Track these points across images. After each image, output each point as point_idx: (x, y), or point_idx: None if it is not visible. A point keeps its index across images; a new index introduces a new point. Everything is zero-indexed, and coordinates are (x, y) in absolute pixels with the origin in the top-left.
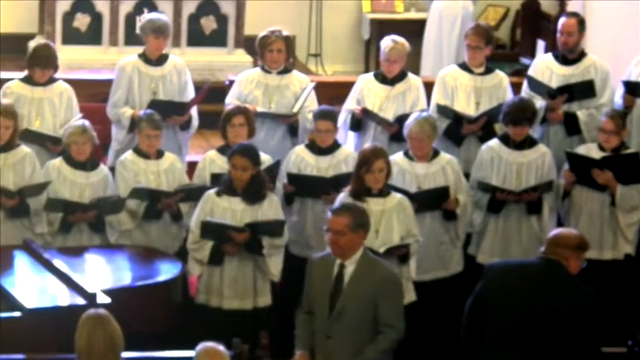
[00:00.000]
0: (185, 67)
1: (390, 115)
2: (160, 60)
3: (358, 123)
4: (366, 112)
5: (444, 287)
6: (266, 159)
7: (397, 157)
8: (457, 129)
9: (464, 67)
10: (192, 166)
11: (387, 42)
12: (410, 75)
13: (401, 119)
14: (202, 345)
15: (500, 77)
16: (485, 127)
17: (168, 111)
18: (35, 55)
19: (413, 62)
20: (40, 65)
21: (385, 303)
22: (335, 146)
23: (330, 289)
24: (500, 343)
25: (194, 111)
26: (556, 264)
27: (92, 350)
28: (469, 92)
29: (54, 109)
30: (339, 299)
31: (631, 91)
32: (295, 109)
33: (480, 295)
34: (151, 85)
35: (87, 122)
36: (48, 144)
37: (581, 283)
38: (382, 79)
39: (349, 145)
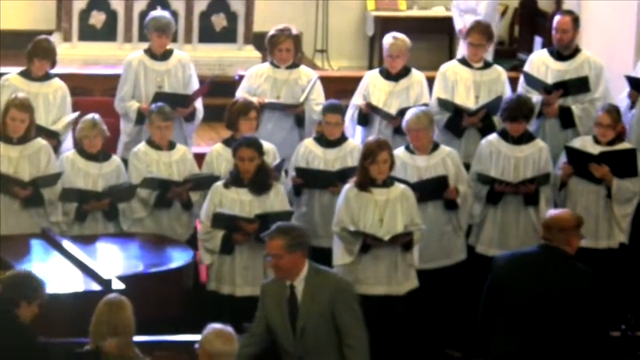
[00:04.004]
0: (189, 61)
1: (394, 109)
2: (165, 55)
3: (365, 117)
4: (370, 107)
5: (448, 275)
6: (270, 149)
7: (399, 152)
8: (457, 122)
9: (463, 61)
10: (199, 158)
11: (388, 39)
12: (413, 71)
13: (403, 112)
14: (211, 327)
15: (499, 72)
16: (484, 119)
17: (172, 103)
18: (35, 47)
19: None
20: (39, 56)
21: (343, 312)
22: (342, 139)
23: (287, 312)
24: (511, 330)
25: (199, 103)
26: (556, 250)
27: (97, 333)
28: (469, 86)
29: (48, 104)
30: (298, 319)
31: (635, 86)
32: (301, 100)
33: (489, 288)
34: (157, 79)
35: (97, 116)
36: (43, 136)
37: (582, 267)
38: (387, 75)
39: (357, 139)
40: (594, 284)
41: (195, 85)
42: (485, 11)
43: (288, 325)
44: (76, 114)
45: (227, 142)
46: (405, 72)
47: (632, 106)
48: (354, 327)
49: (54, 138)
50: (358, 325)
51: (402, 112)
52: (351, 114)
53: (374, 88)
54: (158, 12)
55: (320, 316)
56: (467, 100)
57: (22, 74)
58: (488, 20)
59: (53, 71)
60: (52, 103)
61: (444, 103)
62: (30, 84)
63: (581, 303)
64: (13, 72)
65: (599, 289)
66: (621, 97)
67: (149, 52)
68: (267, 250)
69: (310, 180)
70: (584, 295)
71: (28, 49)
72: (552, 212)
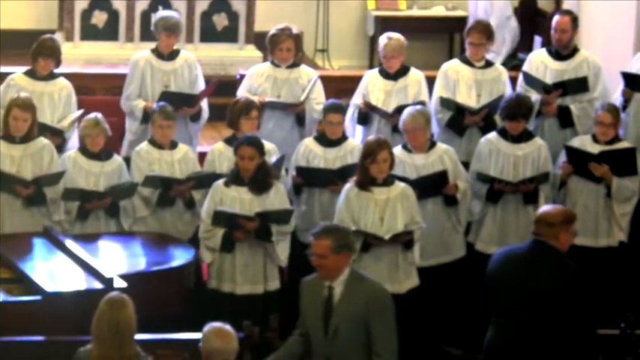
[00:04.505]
0: (196, 61)
1: (392, 108)
2: (172, 55)
3: (365, 116)
4: (368, 106)
5: (447, 272)
6: (271, 148)
7: (396, 150)
8: (459, 120)
9: (465, 60)
10: (201, 157)
11: (382, 39)
12: (412, 70)
13: (400, 110)
14: (210, 325)
15: (500, 71)
16: (486, 118)
17: (178, 103)
18: (39, 46)
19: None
20: (44, 55)
21: (377, 321)
22: (342, 138)
23: (322, 311)
24: (502, 325)
25: (204, 103)
26: (543, 245)
27: (99, 332)
28: (470, 85)
29: (53, 103)
30: (332, 320)
31: (629, 83)
32: (302, 99)
33: (484, 283)
34: (163, 78)
35: (100, 115)
36: (48, 135)
37: (566, 261)
38: (386, 74)
39: (357, 138)
40: (575, 280)
41: (201, 85)
42: (499, 16)
43: (321, 324)
44: (81, 111)
45: (228, 141)
46: (403, 71)
47: (625, 104)
48: (386, 336)
49: (59, 136)
50: (390, 334)
51: (399, 110)
52: (351, 113)
53: (373, 87)
54: (167, 12)
55: (354, 319)
56: (468, 98)
57: (27, 74)
58: (501, 27)
59: (56, 71)
60: (58, 102)
61: (445, 102)
62: (35, 83)
63: (562, 298)
64: (17, 72)
65: (579, 284)
66: (615, 96)
67: (156, 52)
68: (312, 249)
69: (311, 178)
70: (564, 290)
71: (33, 49)
72: (543, 208)
